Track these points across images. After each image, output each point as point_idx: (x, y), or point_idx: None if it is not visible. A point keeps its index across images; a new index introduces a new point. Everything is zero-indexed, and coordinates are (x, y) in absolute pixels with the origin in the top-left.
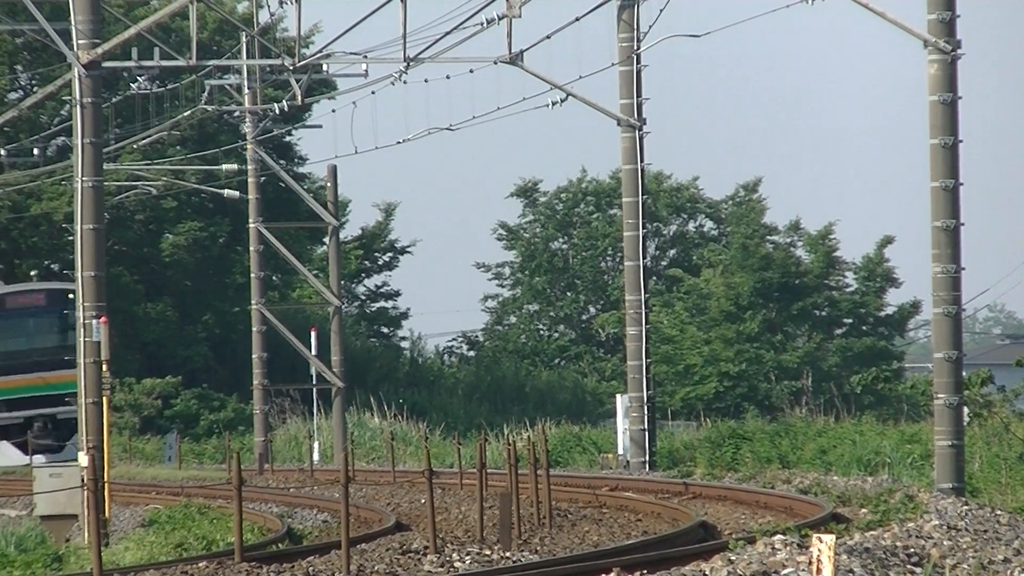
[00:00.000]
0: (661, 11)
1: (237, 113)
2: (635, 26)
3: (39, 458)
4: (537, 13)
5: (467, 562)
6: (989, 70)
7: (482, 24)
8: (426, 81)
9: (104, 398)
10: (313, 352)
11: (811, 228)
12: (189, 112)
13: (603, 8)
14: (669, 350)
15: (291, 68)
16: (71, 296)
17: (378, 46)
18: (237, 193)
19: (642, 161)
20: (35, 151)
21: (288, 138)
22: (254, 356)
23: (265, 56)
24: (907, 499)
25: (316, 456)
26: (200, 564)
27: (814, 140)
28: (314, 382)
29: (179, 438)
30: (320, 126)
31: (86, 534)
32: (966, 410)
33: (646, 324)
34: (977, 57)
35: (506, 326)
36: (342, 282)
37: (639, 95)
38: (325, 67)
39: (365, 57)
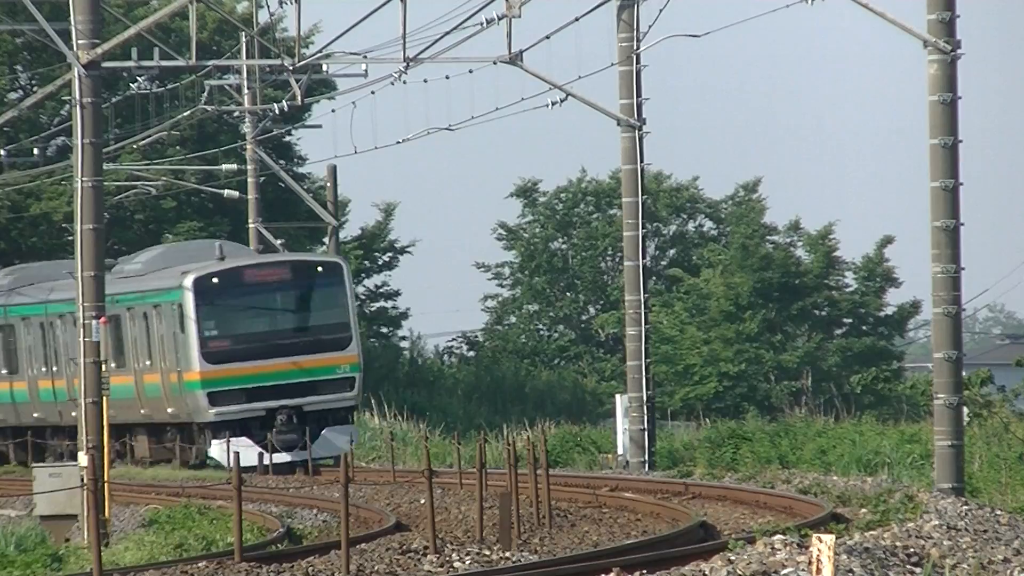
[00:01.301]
0: (661, 11)
1: (237, 113)
2: (635, 26)
3: (284, 456)
4: (537, 13)
5: (467, 562)
6: (989, 70)
7: (482, 24)
8: (425, 81)
9: (104, 398)
10: None
11: (811, 228)
12: (189, 112)
13: (603, 8)
14: (669, 350)
15: (291, 68)
16: (320, 269)
17: (378, 46)
18: (237, 193)
19: (642, 161)
20: (35, 151)
21: (288, 138)
22: None
23: (265, 56)
24: (907, 499)
25: None
26: (200, 564)
27: (814, 140)
28: None
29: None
30: (320, 126)
31: (86, 534)
32: (966, 410)
33: (646, 324)
34: (977, 57)
35: (506, 326)
36: None
37: (639, 95)
38: (325, 67)
39: (365, 57)
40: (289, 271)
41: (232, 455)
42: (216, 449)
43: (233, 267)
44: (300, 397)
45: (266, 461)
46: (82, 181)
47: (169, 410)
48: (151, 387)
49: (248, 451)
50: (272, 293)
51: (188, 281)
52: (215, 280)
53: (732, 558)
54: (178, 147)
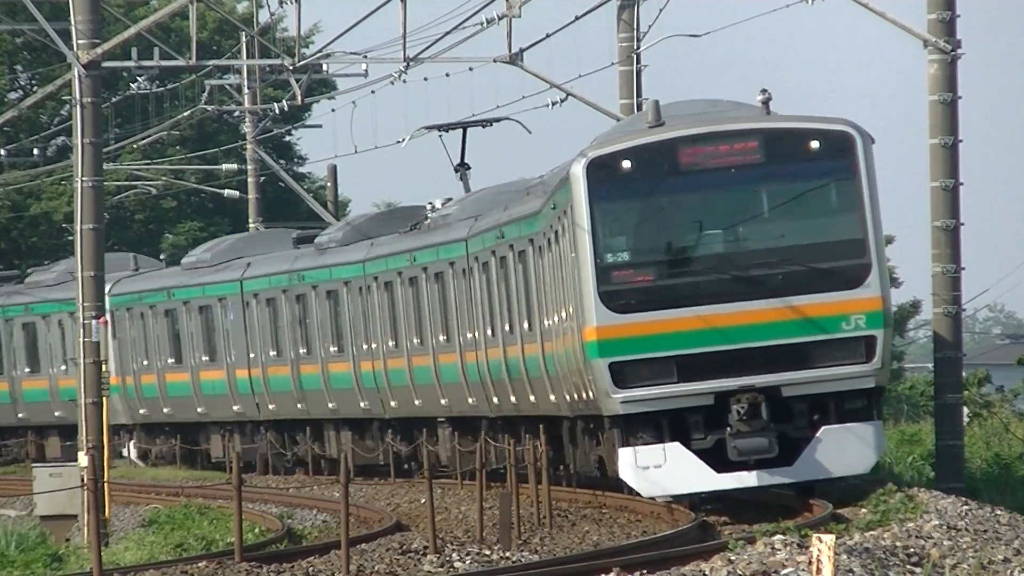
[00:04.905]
0: (661, 11)
1: (237, 113)
2: (635, 26)
3: (746, 476)
4: (537, 13)
5: (467, 562)
6: (989, 70)
7: (482, 24)
8: (425, 80)
9: (104, 398)
10: None
11: None
12: (189, 112)
13: (603, 8)
14: None
15: (291, 68)
16: (815, 145)
17: (378, 46)
18: (237, 193)
19: None
20: (35, 151)
21: (288, 138)
22: None
23: (265, 56)
24: (907, 499)
25: None
26: (200, 564)
27: None
28: None
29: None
30: (320, 126)
31: (86, 534)
32: (966, 410)
33: None
34: (977, 57)
35: None
36: None
37: (639, 95)
38: (325, 67)
39: (365, 57)
40: (760, 147)
41: (654, 474)
42: (626, 463)
43: (660, 140)
44: (776, 372)
45: (718, 484)
46: (82, 181)
47: (551, 397)
48: (532, 360)
49: (686, 465)
50: (728, 187)
51: (578, 167)
52: (625, 164)
53: (732, 558)
54: (178, 147)
